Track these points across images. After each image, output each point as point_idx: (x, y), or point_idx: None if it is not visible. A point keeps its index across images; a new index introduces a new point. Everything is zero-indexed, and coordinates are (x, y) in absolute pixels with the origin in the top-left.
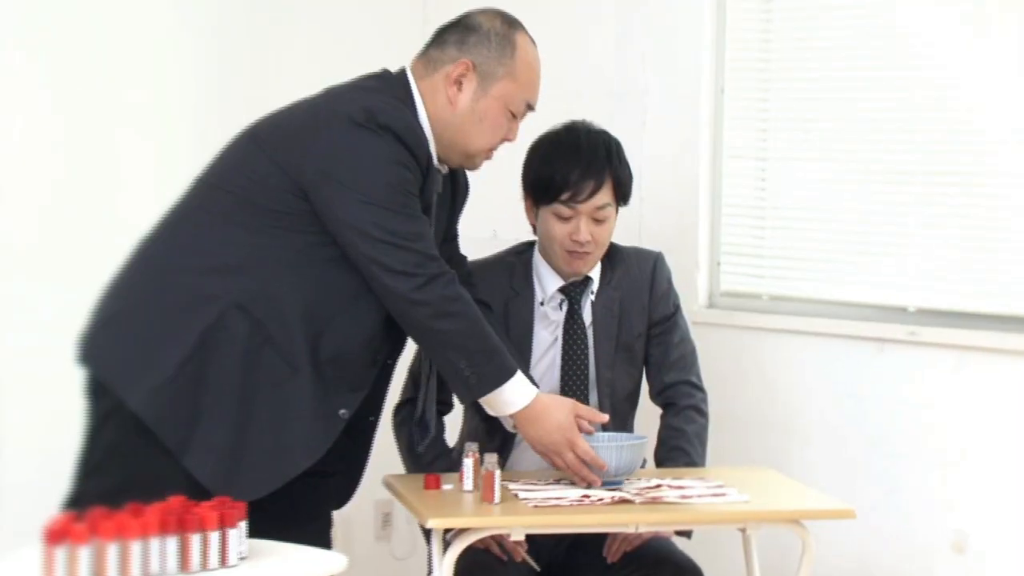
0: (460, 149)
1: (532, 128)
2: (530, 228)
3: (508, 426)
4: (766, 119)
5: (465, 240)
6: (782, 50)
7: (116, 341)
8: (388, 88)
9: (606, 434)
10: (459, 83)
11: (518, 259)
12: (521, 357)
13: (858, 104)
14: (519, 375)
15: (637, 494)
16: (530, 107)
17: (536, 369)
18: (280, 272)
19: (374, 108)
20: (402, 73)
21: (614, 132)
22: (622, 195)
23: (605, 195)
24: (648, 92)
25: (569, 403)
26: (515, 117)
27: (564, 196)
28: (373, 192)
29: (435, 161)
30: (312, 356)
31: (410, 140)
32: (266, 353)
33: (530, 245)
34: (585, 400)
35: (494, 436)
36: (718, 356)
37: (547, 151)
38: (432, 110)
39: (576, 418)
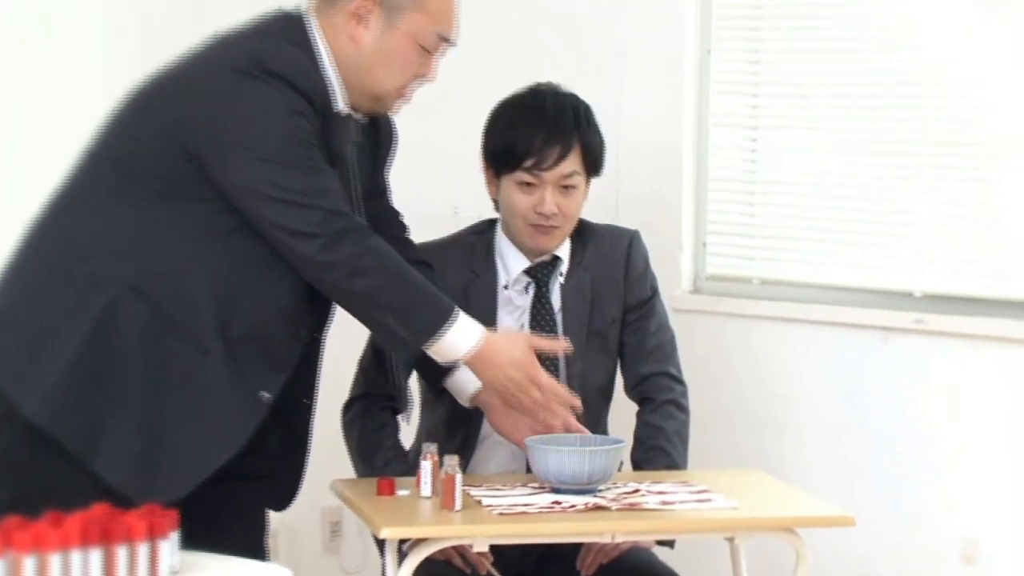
0: (368, 91)
1: (499, 93)
2: (492, 204)
3: (464, 400)
4: (757, 83)
5: (425, 218)
6: (775, 6)
7: (2, 341)
8: (281, 31)
9: (578, 436)
10: (362, 19)
11: (478, 239)
12: None
13: (859, 67)
14: (460, 317)
15: (613, 500)
16: (446, 40)
17: None
18: (178, 247)
19: (261, 54)
20: (298, 13)
21: (588, 98)
22: (592, 163)
23: (573, 162)
24: (626, 53)
25: (523, 336)
26: (428, 52)
27: (527, 163)
28: (266, 147)
29: (341, 106)
30: (223, 336)
31: (303, 85)
32: (169, 338)
33: (492, 224)
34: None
35: (455, 436)
36: (703, 346)
37: (509, 115)
38: (336, 50)
39: (535, 350)
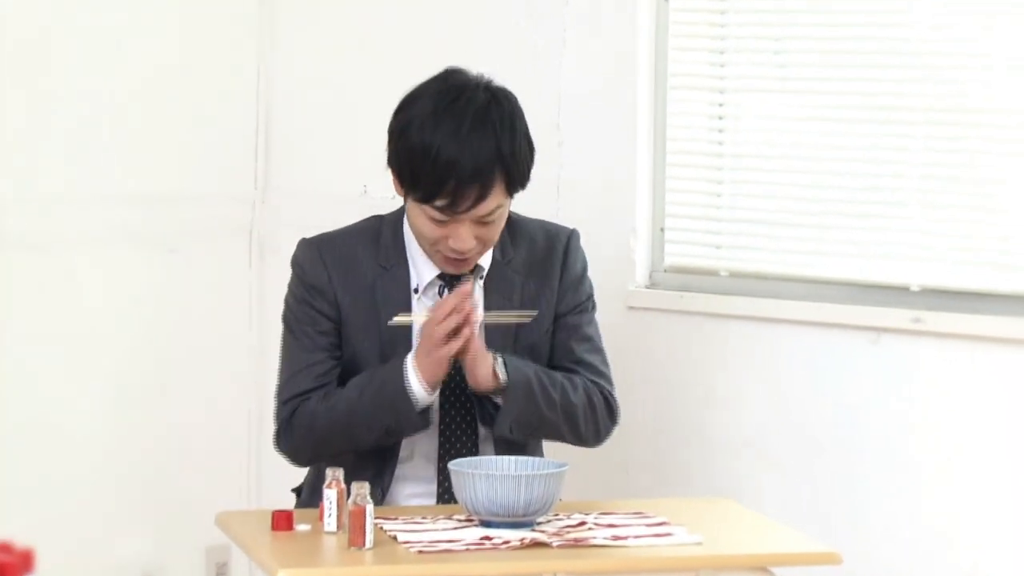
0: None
1: (414, 47)
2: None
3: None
4: (724, 36)
5: (330, 198)
6: None
7: None
8: None
9: (511, 459)
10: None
11: (387, 227)
12: (396, 350)
13: (846, 19)
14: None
15: (555, 535)
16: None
17: None
18: None
19: None
20: None
21: (523, 56)
22: (518, 183)
23: (495, 198)
24: (568, 1)
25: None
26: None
27: (438, 203)
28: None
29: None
30: None
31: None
32: None
33: (403, 210)
34: (474, 424)
35: (365, 460)
36: (660, 351)
37: (417, 131)
38: None
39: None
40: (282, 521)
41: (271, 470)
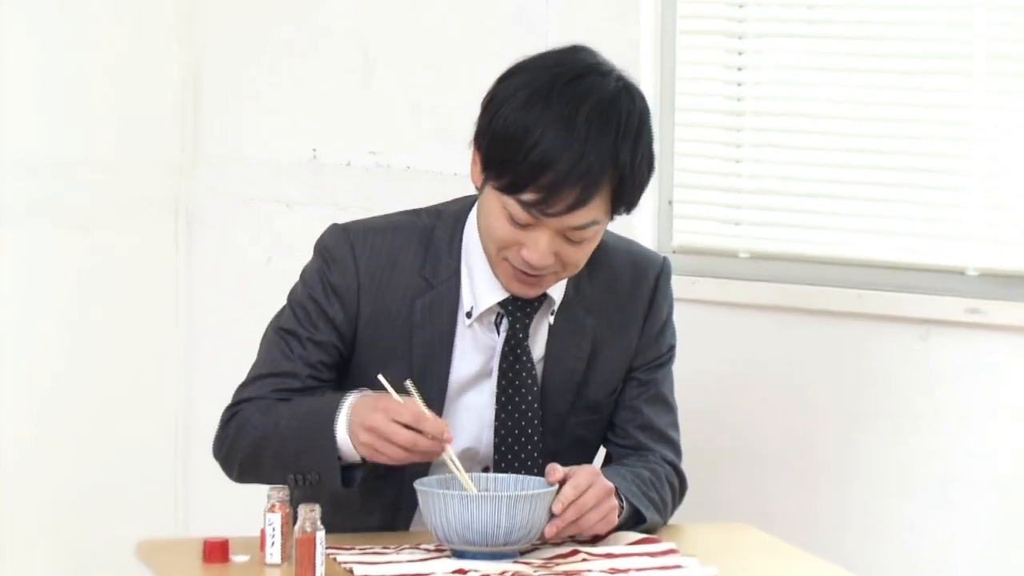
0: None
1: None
2: (471, 184)
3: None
4: None
5: (273, 165)
6: None
7: None
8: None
9: (489, 476)
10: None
11: (442, 228)
12: (430, 390)
13: None
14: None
15: (541, 567)
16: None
17: (455, 413)
18: None
19: None
20: None
21: None
22: (626, 204)
23: (593, 210)
24: None
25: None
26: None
27: (526, 197)
28: None
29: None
30: None
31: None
32: None
33: (466, 208)
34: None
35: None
36: None
37: (519, 106)
38: None
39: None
40: (215, 551)
41: (203, 489)
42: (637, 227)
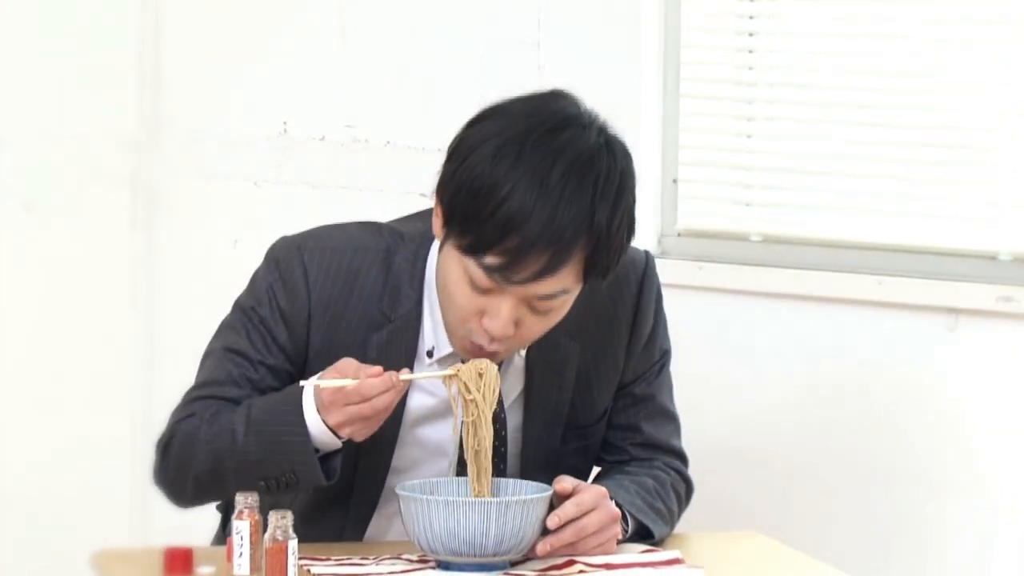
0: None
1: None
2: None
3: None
4: None
5: (240, 140)
6: None
7: None
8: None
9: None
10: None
11: (404, 252)
12: (381, 429)
13: None
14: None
15: None
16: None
17: (405, 445)
18: None
19: None
20: None
21: None
22: (600, 272)
23: (564, 278)
24: None
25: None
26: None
27: (489, 260)
28: None
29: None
30: None
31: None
32: None
33: (430, 235)
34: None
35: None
36: (673, 337)
37: (488, 161)
38: None
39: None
40: (178, 562)
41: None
42: (640, 207)
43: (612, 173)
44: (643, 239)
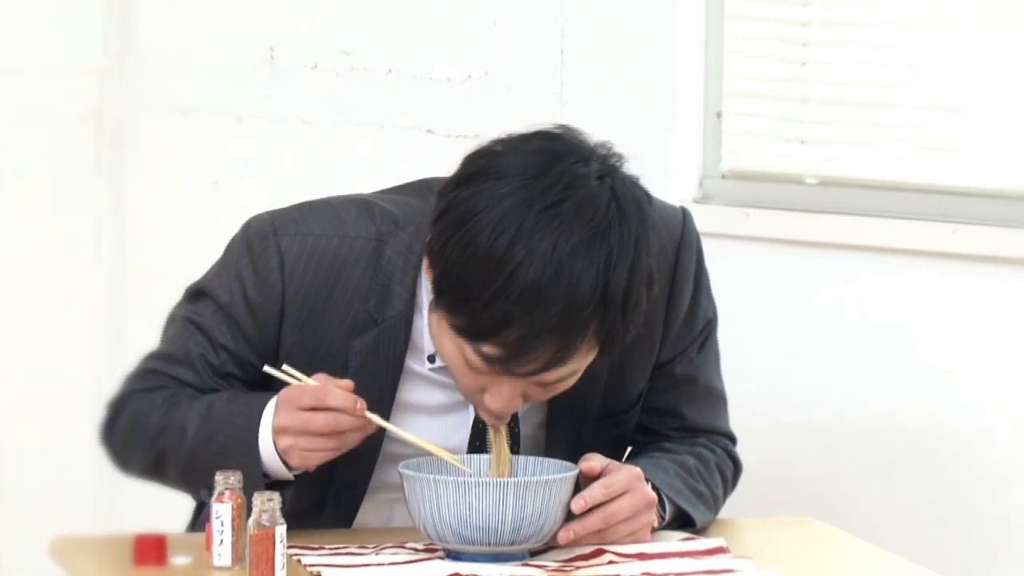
0: None
1: None
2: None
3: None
4: None
5: (219, 69)
6: None
7: None
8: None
9: (488, 456)
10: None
11: (395, 242)
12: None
13: None
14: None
15: (558, 572)
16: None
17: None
18: None
19: None
20: None
21: None
22: (615, 343)
23: (574, 363)
24: None
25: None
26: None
27: (487, 350)
28: None
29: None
30: None
31: None
32: None
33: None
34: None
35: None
36: (717, 293)
37: (482, 241)
38: None
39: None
40: (149, 551)
41: None
42: (675, 148)
43: (626, 239)
44: (682, 182)
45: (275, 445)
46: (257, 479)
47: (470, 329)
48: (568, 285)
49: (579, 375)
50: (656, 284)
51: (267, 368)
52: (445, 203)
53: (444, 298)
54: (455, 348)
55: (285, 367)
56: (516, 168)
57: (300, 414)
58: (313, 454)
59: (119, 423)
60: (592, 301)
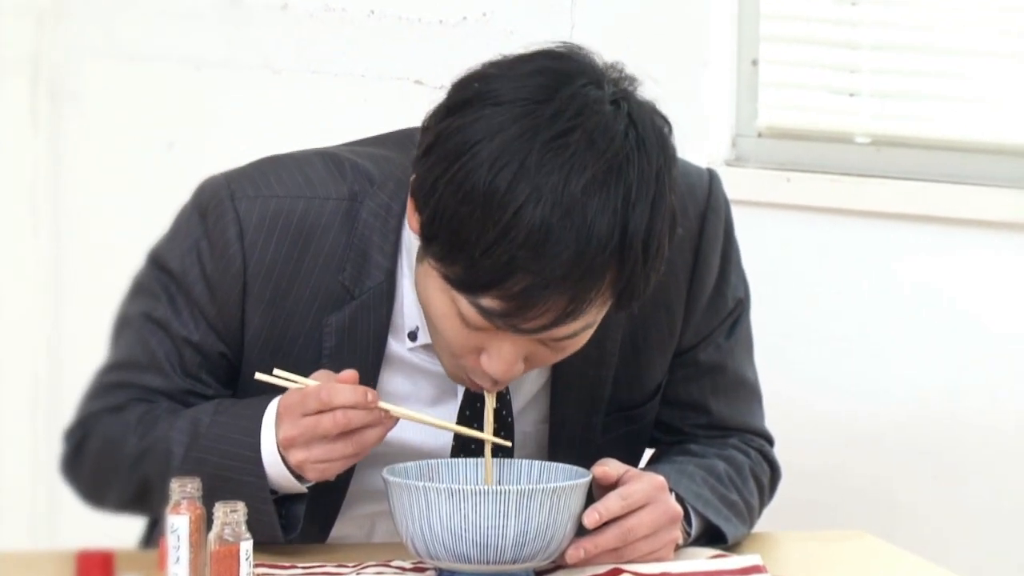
0: None
1: None
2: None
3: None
4: None
5: (170, 9)
6: None
7: None
8: None
9: (492, 461)
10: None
11: (371, 202)
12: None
13: None
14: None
15: None
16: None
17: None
18: None
19: None
20: None
21: None
22: (635, 293)
23: (587, 317)
24: None
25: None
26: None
27: (488, 304)
28: None
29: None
30: None
31: None
32: None
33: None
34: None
35: None
36: (754, 266)
37: (480, 176)
38: None
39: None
40: (94, 569)
41: None
42: (704, 101)
43: (645, 174)
44: (712, 142)
45: (284, 460)
46: (264, 498)
47: (467, 279)
48: (581, 227)
49: (592, 331)
50: (680, 226)
51: (259, 376)
52: (434, 135)
53: (434, 245)
54: (447, 303)
55: (277, 371)
56: (517, 92)
57: (305, 420)
58: (331, 464)
59: (86, 451)
60: (609, 245)
